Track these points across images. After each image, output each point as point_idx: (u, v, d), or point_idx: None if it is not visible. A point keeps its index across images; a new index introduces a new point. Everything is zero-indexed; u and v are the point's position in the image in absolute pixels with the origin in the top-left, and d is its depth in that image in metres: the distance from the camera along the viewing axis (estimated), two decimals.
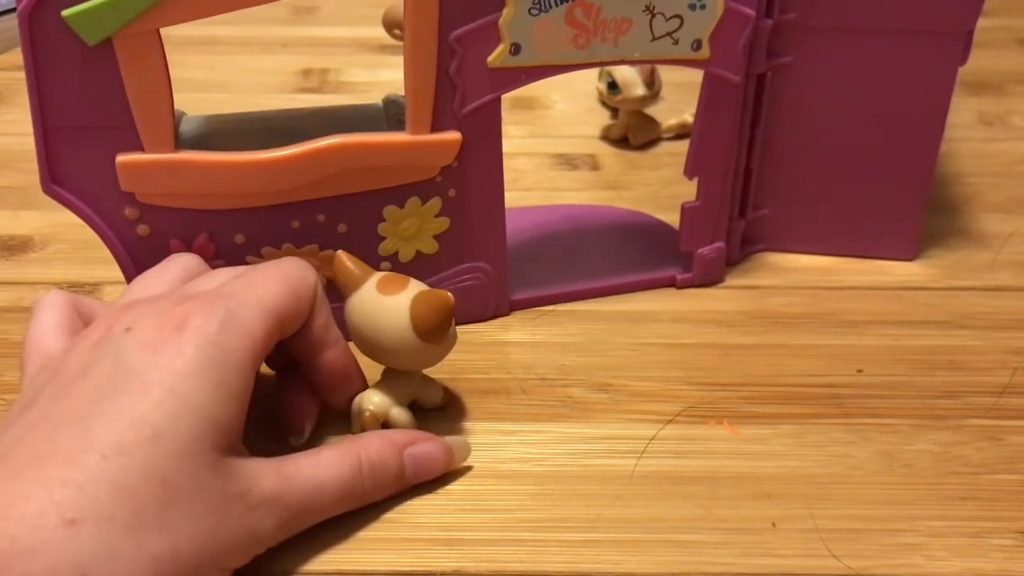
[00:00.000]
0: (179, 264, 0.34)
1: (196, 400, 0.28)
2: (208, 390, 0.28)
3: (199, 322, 0.29)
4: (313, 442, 0.35)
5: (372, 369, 0.36)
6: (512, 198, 0.41)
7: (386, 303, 0.33)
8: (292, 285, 0.32)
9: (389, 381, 0.35)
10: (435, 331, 0.33)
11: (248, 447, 0.31)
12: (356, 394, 0.35)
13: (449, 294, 0.33)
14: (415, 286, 0.34)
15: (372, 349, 0.34)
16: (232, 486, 0.28)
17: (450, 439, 0.34)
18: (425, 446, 0.33)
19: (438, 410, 0.37)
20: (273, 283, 0.32)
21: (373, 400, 0.35)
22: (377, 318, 0.33)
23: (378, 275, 0.34)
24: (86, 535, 0.25)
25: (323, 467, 0.31)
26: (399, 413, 0.35)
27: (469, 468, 0.35)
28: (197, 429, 0.28)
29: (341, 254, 0.35)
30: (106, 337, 0.30)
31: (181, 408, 0.28)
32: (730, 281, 0.45)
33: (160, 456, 0.27)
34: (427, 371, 0.36)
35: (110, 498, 0.26)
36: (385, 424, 0.35)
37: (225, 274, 0.33)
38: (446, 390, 0.37)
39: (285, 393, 0.36)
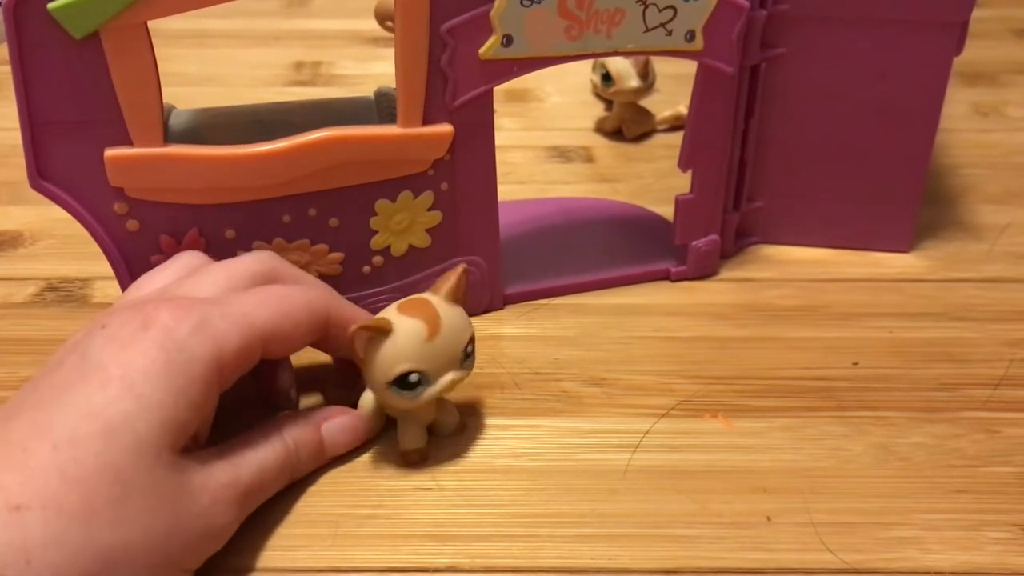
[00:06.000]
0: (180, 263, 0.34)
1: (155, 400, 0.28)
2: (168, 392, 0.28)
3: (170, 323, 0.29)
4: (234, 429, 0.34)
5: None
6: (505, 191, 0.41)
7: (386, 313, 0.33)
8: (292, 310, 0.32)
9: None
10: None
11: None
12: None
13: (361, 340, 0.31)
14: (405, 322, 0.32)
15: None
16: (190, 482, 0.29)
17: (364, 410, 0.35)
18: (340, 419, 0.34)
19: (451, 434, 0.36)
20: (269, 303, 0.32)
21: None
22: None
23: (424, 296, 0.33)
24: (32, 521, 0.25)
25: (258, 448, 0.32)
26: (367, 400, 0.35)
27: (462, 463, 0.35)
28: (154, 428, 0.28)
29: (461, 268, 0.34)
30: (84, 335, 0.30)
31: (138, 406, 0.28)
32: (724, 274, 0.45)
33: (113, 450, 0.27)
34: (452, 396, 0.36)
35: (59, 487, 0.26)
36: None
37: (220, 272, 0.33)
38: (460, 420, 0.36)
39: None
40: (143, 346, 0.28)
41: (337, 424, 0.34)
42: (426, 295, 0.33)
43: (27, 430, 0.27)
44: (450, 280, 0.33)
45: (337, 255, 0.39)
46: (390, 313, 0.32)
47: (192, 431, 0.29)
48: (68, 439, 0.27)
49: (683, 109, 0.57)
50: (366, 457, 0.35)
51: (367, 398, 0.35)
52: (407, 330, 0.32)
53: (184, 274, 0.34)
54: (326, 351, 0.36)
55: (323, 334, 0.34)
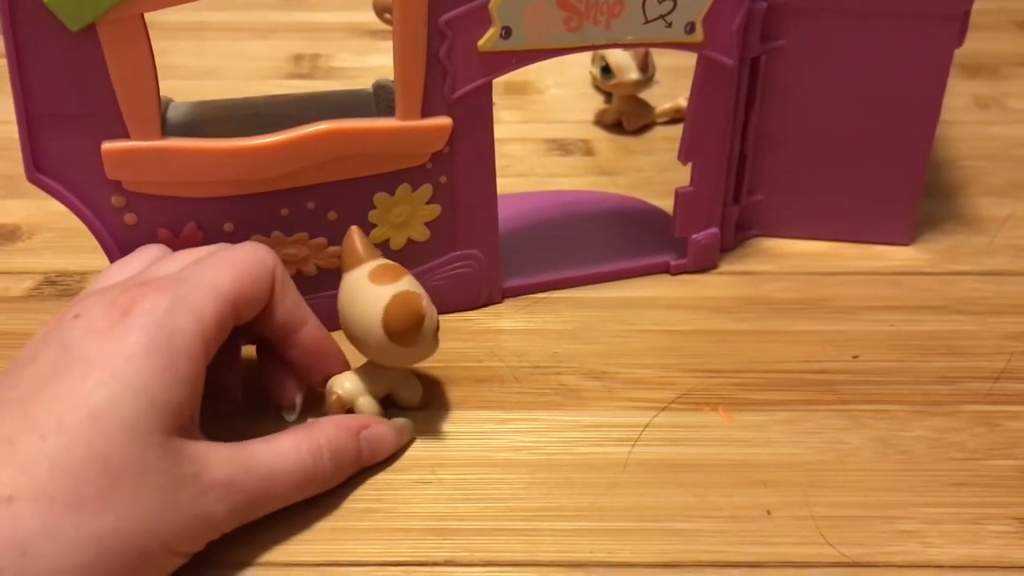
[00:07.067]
0: (146, 255, 0.34)
1: (139, 382, 0.28)
2: (154, 372, 0.28)
3: (147, 306, 0.29)
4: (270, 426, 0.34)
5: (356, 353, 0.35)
6: (504, 184, 0.41)
7: (369, 291, 0.33)
8: (248, 269, 0.32)
9: (368, 369, 0.35)
10: (402, 334, 0.32)
11: (210, 428, 0.31)
12: (333, 373, 0.35)
13: (423, 302, 0.32)
14: (405, 282, 0.33)
15: (349, 334, 0.34)
16: (182, 469, 0.28)
17: (396, 420, 0.35)
18: (377, 428, 0.34)
19: (417, 409, 0.36)
20: (227, 267, 0.32)
21: (344, 385, 0.35)
22: (356, 304, 0.33)
23: (378, 261, 0.34)
24: (25, 512, 0.25)
25: (279, 454, 0.31)
26: (366, 402, 0.35)
27: (461, 457, 0.35)
28: (140, 410, 0.28)
29: (354, 230, 0.35)
30: (56, 326, 0.30)
31: (123, 389, 0.28)
32: (724, 267, 0.45)
33: (101, 436, 0.27)
34: (412, 368, 0.36)
35: (49, 477, 0.26)
36: (351, 411, 0.35)
37: (185, 257, 0.33)
38: (426, 391, 0.36)
39: (269, 368, 0.36)
40: (124, 333, 0.28)
41: (374, 433, 0.34)
42: (374, 263, 0.34)
43: (13, 424, 0.27)
44: (360, 241, 0.34)
45: (336, 248, 0.38)
46: (381, 290, 0.33)
47: (187, 412, 0.29)
48: (55, 428, 0.27)
49: (683, 102, 0.57)
50: None
51: (366, 407, 0.35)
52: (415, 283, 0.33)
53: (150, 264, 0.33)
54: (262, 325, 0.34)
55: (269, 296, 0.33)
